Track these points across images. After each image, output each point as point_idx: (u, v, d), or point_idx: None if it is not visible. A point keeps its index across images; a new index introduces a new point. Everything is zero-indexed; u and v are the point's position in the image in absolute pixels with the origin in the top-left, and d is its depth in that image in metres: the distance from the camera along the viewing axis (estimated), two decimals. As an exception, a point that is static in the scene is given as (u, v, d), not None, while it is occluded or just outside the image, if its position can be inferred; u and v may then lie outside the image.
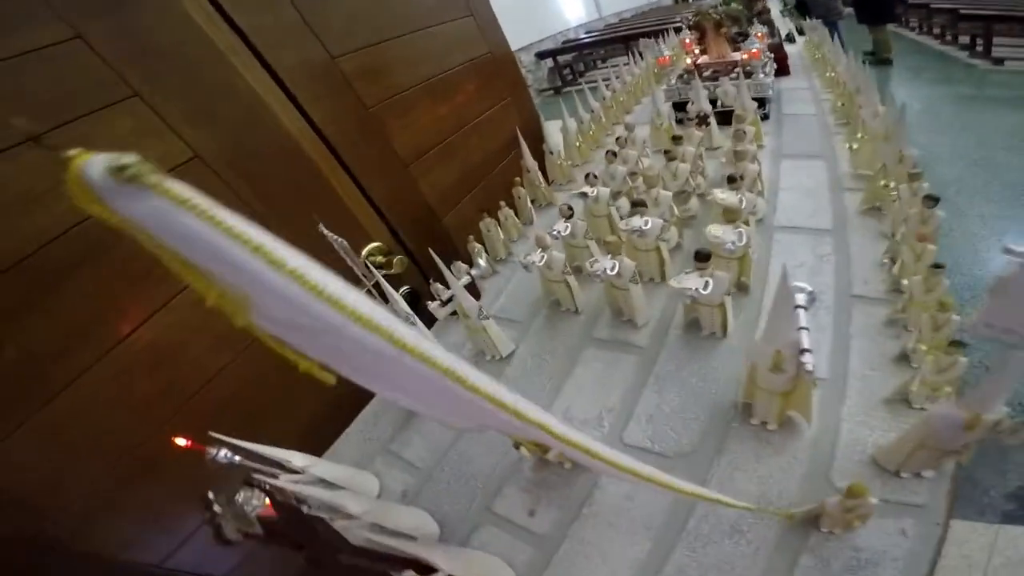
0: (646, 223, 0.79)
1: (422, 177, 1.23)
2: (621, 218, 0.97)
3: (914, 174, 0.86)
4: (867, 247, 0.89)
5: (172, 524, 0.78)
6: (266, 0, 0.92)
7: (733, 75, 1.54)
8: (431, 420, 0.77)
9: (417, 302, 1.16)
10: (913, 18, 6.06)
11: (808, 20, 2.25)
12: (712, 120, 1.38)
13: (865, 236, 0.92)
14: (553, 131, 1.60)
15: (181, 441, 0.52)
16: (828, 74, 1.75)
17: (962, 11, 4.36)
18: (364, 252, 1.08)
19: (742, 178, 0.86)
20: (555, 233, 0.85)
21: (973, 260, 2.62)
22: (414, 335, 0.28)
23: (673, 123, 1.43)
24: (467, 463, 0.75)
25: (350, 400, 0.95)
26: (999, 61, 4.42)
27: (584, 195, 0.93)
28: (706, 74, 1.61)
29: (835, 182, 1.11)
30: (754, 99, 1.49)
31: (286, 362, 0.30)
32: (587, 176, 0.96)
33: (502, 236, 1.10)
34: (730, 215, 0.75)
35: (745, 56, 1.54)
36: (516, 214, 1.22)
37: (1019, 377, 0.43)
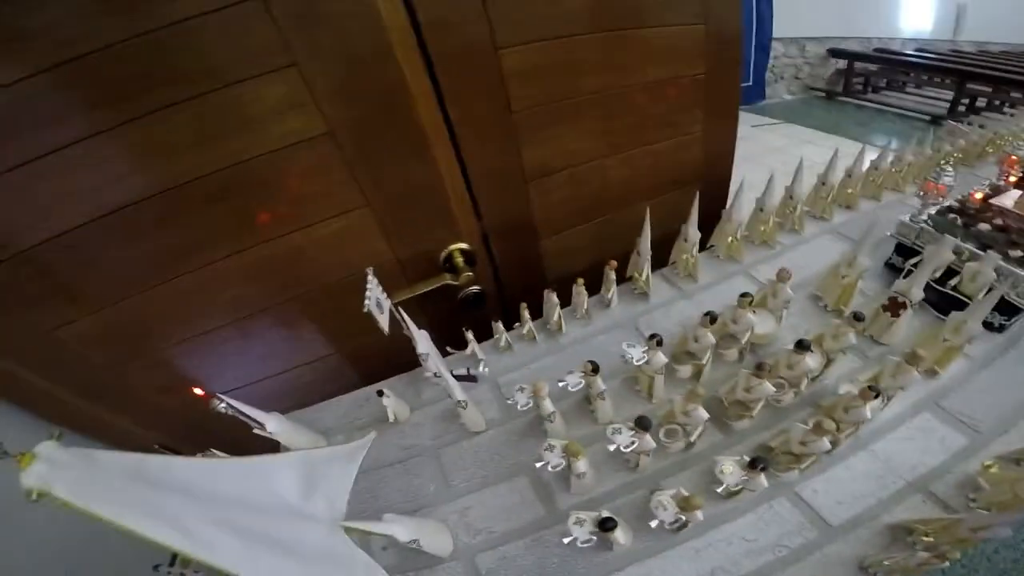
0: (632, 444, 0.71)
1: (540, 197, 1.14)
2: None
3: None
4: None
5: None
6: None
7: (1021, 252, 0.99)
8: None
9: (482, 304, 1.22)
10: None
11: None
12: (909, 310, 0.95)
13: None
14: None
15: (198, 391, 0.74)
16: None
17: None
18: (449, 248, 1.10)
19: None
20: (561, 384, 0.81)
21: None
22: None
23: (861, 280, 1.02)
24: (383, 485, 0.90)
25: (364, 368, 1.13)
26: None
27: (624, 360, 0.82)
28: (986, 226, 1.05)
29: (924, 477, 0.77)
30: (1007, 304, 0.96)
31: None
32: (652, 337, 0.83)
33: (558, 313, 1.04)
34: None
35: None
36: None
37: None
